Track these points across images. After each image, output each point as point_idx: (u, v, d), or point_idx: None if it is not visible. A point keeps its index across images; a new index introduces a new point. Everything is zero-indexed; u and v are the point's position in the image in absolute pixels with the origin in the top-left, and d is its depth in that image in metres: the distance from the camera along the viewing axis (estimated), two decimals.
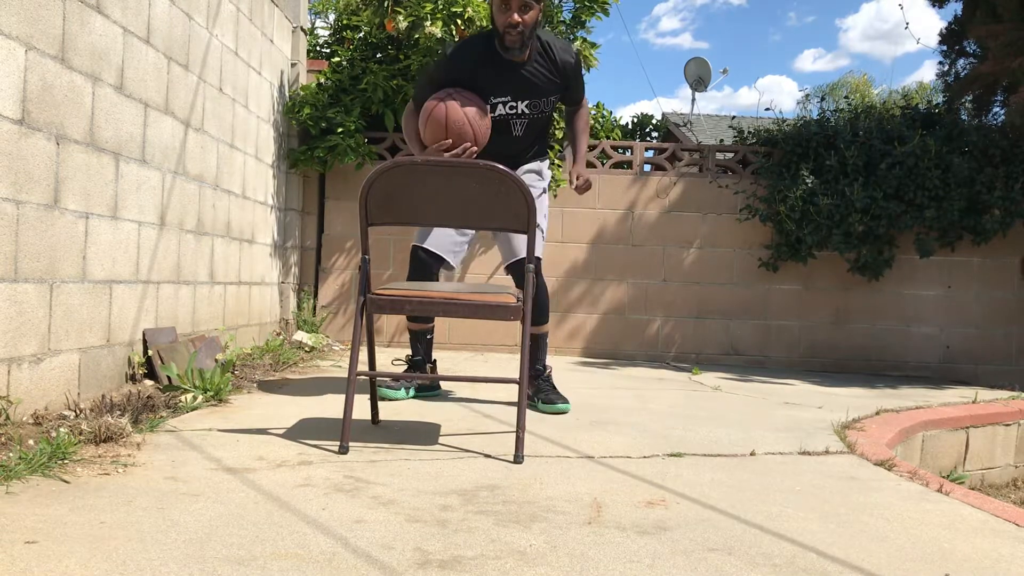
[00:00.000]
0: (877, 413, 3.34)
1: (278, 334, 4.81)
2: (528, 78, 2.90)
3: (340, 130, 4.86)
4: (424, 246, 3.01)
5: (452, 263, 3.09)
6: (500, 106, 2.93)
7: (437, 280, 3.09)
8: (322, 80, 5.13)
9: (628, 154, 5.50)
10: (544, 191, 3.12)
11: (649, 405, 3.29)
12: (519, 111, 2.95)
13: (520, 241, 2.96)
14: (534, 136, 3.07)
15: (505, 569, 1.38)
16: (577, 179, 2.99)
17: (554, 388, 3.05)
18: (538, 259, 2.98)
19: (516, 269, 2.99)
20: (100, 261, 2.79)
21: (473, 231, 3.08)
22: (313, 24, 5.86)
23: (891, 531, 1.71)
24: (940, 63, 6.03)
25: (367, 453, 2.17)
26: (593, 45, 5.14)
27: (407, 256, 3.07)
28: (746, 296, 5.34)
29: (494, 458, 2.19)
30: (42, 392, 2.47)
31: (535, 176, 3.10)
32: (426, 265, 3.01)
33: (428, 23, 4.75)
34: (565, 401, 2.99)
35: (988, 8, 5.23)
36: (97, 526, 1.50)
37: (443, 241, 3.02)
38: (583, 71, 3.06)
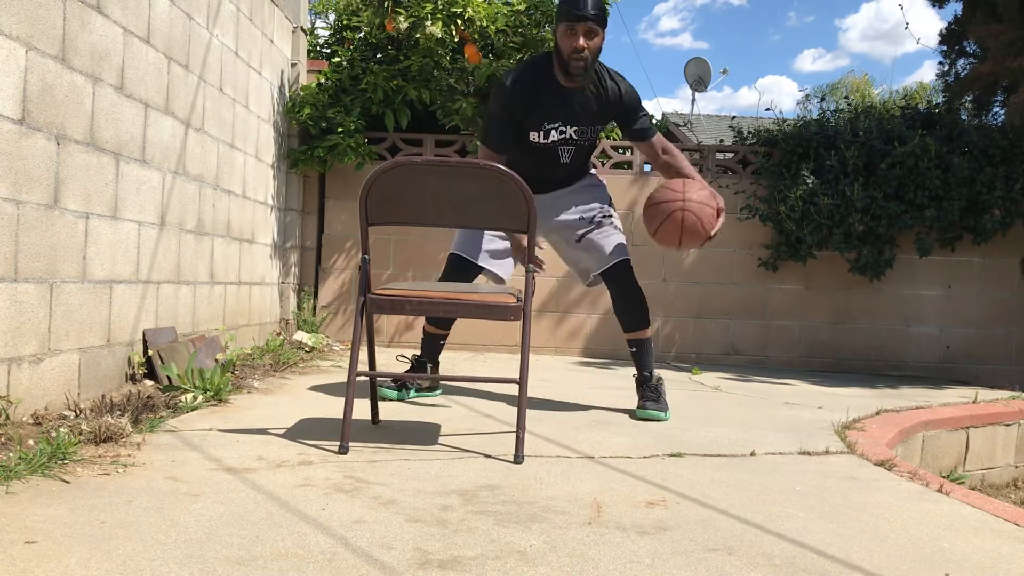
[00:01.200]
0: (877, 413, 3.34)
1: (278, 334, 4.81)
2: (583, 105, 2.87)
3: (340, 130, 4.86)
4: (456, 251, 3.01)
5: (493, 270, 3.03)
6: (552, 132, 2.89)
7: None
8: (322, 80, 5.13)
9: (628, 154, 5.50)
10: (610, 198, 3.12)
11: None
12: (568, 136, 2.91)
13: (607, 245, 2.95)
14: (580, 163, 3.05)
15: (505, 569, 1.38)
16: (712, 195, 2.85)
17: (657, 397, 2.93)
18: (629, 260, 2.98)
19: (610, 275, 2.96)
20: (100, 261, 2.79)
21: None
22: (313, 24, 5.86)
23: (891, 531, 1.71)
24: (940, 63, 6.03)
25: (367, 453, 2.17)
26: None
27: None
28: (746, 296, 5.34)
29: (494, 458, 2.19)
30: (42, 392, 2.47)
31: (595, 179, 3.13)
32: (457, 271, 2.99)
33: (428, 23, 4.75)
34: (662, 408, 2.90)
35: (988, 8, 5.23)
36: (97, 526, 1.50)
37: (473, 246, 3.00)
38: (644, 109, 2.98)
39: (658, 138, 3.02)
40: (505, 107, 2.84)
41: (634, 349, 3.01)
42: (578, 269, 3.10)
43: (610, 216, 3.06)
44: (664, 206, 2.84)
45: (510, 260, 3.07)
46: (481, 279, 3.05)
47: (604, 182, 3.19)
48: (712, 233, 2.82)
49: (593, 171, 3.18)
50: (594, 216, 3.03)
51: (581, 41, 2.73)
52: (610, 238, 3.00)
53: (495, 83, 3.07)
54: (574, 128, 2.91)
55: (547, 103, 2.84)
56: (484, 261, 3.02)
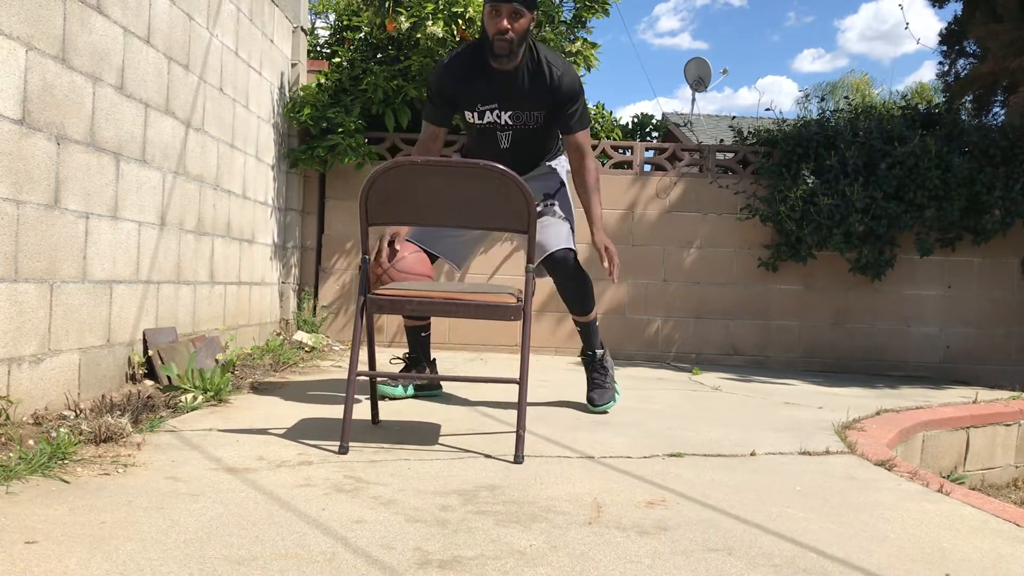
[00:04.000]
0: (877, 413, 3.34)
1: (278, 334, 4.81)
2: (515, 88, 2.85)
3: (340, 130, 4.86)
4: (410, 239, 2.97)
5: (446, 258, 3.04)
6: (487, 113, 2.91)
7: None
8: (322, 80, 5.13)
9: (628, 154, 5.50)
10: (562, 183, 3.09)
11: (649, 405, 3.29)
12: (503, 121, 2.91)
13: (546, 237, 2.91)
14: (530, 151, 3.02)
15: (505, 569, 1.38)
16: (604, 250, 2.86)
17: (604, 380, 3.03)
18: (572, 250, 2.96)
19: (549, 264, 2.94)
20: (100, 261, 2.79)
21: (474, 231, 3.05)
22: (313, 24, 5.86)
23: (891, 531, 1.71)
24: (940, 63, 6.05)
25: (367, 453, 2.17)
26: (594, 45, 5.14)
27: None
28: (746, 296, 5.34)
29: (494, 458, 2.19)
30: (42, 392, 2.47)
31: (546, 168, 3.09)
32: None
33: (430, 23, 4.75)
34: (606, 400, 3.01)
35: (988, 8, 5.23)
36: (97, 526, 1.50)
37: (431, 235, 3.00)
38: (581, 104, 2.91)
39: (577, 137, 2.92)
40: (438, 85, 2.90)
41: (579, 329, 3.11)
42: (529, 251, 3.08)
43: (552, 204, 3.00)
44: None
45: (469, 249, 3.12)
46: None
47: (559, 169, 3.10)
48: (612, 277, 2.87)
49: (556, 161, 3.12)
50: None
51: (504, 23, 2.71)
52: (550, 228, 2.94)
53: (434, 67, 3.09)
54: (508, 112, 2.89)
55: (479, 85, 2.85)
56: (440, 249, 3.02)
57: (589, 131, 3.00)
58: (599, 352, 3.09)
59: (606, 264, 2.86)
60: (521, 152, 2.98)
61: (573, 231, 3.04)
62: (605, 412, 2.99)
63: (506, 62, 2.79)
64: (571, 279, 2.98)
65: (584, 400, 3.10)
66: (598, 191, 2.98)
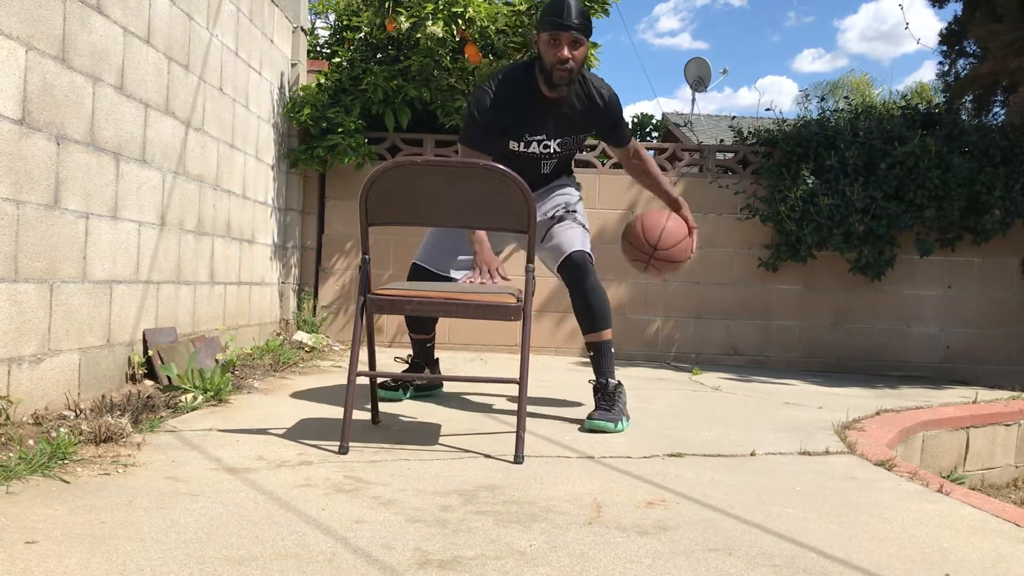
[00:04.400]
0: (877, 413, 3.34)
1: (278, 334, 4.81)
2: (566, 116, 2.80)
3: (340, 130, 4.86)
4: (418, 262, 2.94)
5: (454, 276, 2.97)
6: (534, 144, 2.83)
7: None
8: (322, 80, 5.13)
9: None
10: (580, 197, 3.07)
11: (649, 405, 3.29)
12: (552, 150, 2.86)
13: (563, 240, 2.84)
14: (559, 171, 3.02)
15: (505, 569, 1.38)
16: (692, 226, 2.99)
17: (611, 406, 2.69)
18: (590, 255, 2.83)
19: (567, 267, 2.81)
20: (100, 261, 2.79)
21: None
22: (313, 24, 5.85)
23: (891, 531, 1.71)
24: (940, 63, 6.04)
25: (367, 453, 2.17)
26: (594, 45, 5.13)
27: (407, 256, 3.07)
28: (746, 296, 5.34)
29: (494, 458, 2.19)
30: (42, 392, 2.47)
31: (564, 181, 3.06)
32: (422, 280, 2.91)
33: (430, 23, 4.75)
34: (613, 419, 2.64)
35: (988, 8, 5.23)
36: (97, 526, 1.50)
37: (439, 258, 2.92)
38: (623, 114, 2.94)
39: (633, 143, 3.01)
40: (485, 115, 2.73)
41: (592, 353, 2.81)
42: (549, 269, 2.96)
43: (573, 212, 2.96)
44: (636, 264, 3.00)
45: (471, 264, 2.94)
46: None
47: (577, 180, 3.11)
48: (690, 256, 2.99)
49: (572, 176, 3.11)
50: (556, 212, 2.94)
51: (566, 51, 2.64)
52: (568, 231, 2.87)
53: (477, 88, 3.00)
54: (558, 140, 2.84)
55: (530, 114, 2.77)
56: (445, 267, 2.93)
57: None
58: (612, 383, 2.74)
59: (694, 237, 2.99)
60: (555, 171, 2.99)
61: (588, 235, 3.00)
62: (603, 432, 2.61)
63: (565, 91, 2.72)
64: (587, 284, 2.76)
65: (578, 400, 3.10)
66: (663, 177, 3.08)
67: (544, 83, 2.72)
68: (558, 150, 2.88)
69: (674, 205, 3.03)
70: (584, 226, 2.95)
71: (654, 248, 2.91)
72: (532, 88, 2.75)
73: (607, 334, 2.80)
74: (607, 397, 2.73)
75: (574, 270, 2.78)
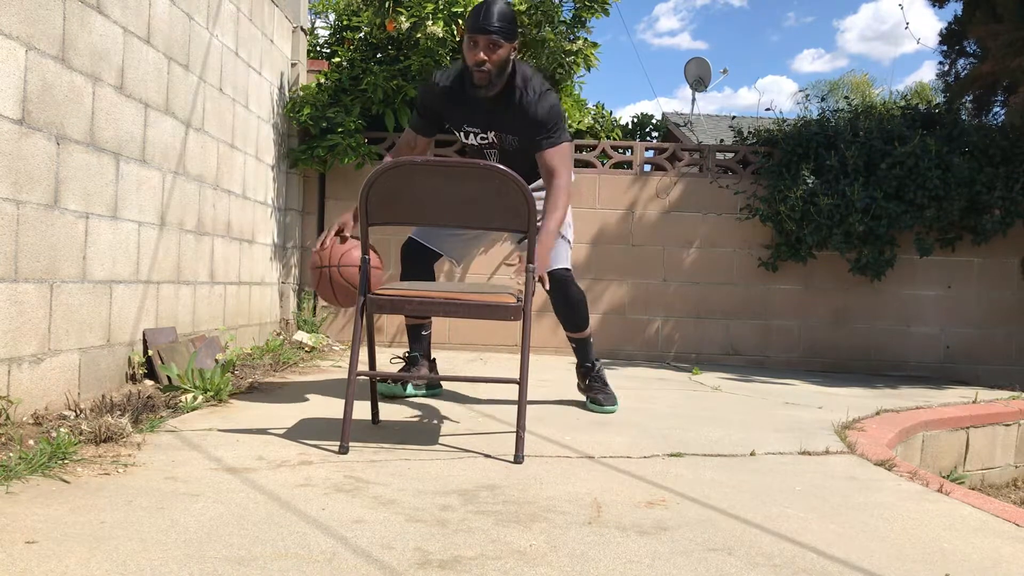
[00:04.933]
0: (877, 413, 3.34)
1: (278, 334, 4.81)
2: (499, 113, 2.87)
3: (340, 130, 4.86)
4: (413, 236, 3.07)
5: (448, 255, 3.08)
6: (472, 135, 2.96)
7: (432, 272, 3.11)
8: (322, 80, 5.13)
9: (628, 154, 5.50)
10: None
11: (649, 405, 3.29)
12: (490, 140, 2.95)
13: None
14: (521, 169, 2.81)
15: (505, 569, 1.38)
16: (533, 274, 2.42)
17: (605, 386, 3.10)
18: (568, 270, 3.00)
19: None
20: (100, 261, 2.79)
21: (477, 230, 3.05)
22: (313, 24, 5.86)
23: (891, 531, 1.71)
24: (940, 63, 6.04)
25: (367, 453, 2.17)
26: (594, 45, 5.14)
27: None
28: (746, 296, 5.34)
29: (494, 458, 2.19)
30: (42, 392, 2.47)
31: (543, 185, 2.99)
32: (413, 253, 3.04)
33: (430, 23, 4.75)
34: (613, 403, 3.05)
35: (988, 8, 5.23)
36: (97, 526, 1.50)
37: (432, 232, 3.05)
38: (554, 127, 2.81)
39: (546, 158, 2.80)
40: (424, 102, 2.96)
41: (573, 345, 3.17)
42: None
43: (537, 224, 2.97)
44: (314, 271, 2.77)
45: (470, 246, 3.18)
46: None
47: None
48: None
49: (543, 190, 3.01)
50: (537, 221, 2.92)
51: (482, 54, 2.70)
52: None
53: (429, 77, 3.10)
54: (493, 133, 2.92)
55: (465, 108, 2.89)
56: (442, 247, 3.06)
57: (564, 149, 2.83)
58: (596, 364, 3.15)
59: (521, 281, 2.47)
60: (514, 167, 2.91)
61: (570, 249, 3.06)
62: (611, 412, 3.02)
63: (484, 92, 2.79)
64: (566, 297, 3.00)
65: (578, 399, 3.12)
66: (558, 211, 2.73)
67: (468, 83, 2.81)
68: (495, 142, 2.94)
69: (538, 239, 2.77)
70: (562, 235, 2.93)
71: (335, 265, 2.73)
72: (463, 87, 2.86)
73: (587, 332, 3.14)
74: (595, 377, 3.11)
75: (554, 285, 2.92)
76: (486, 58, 2.71)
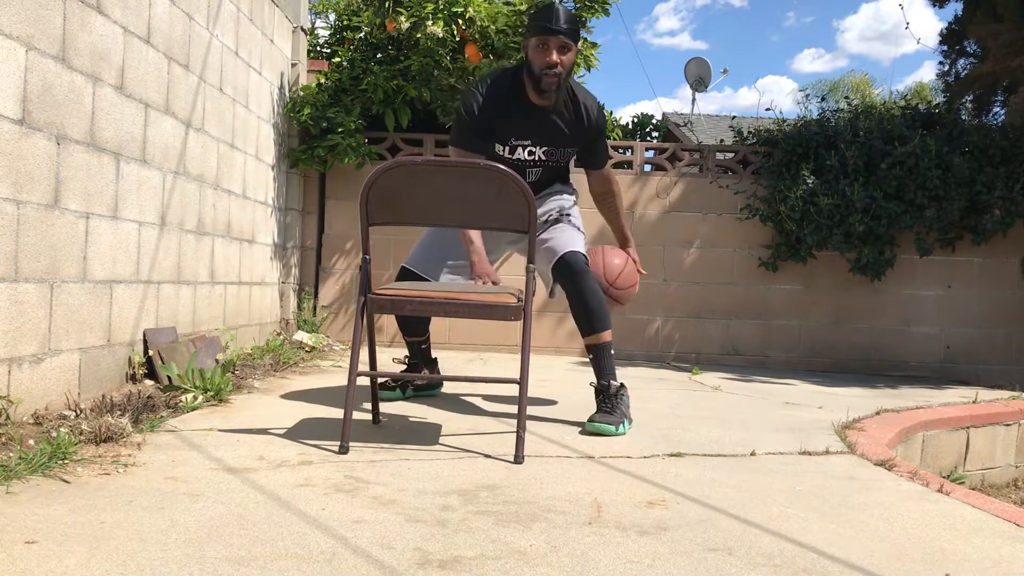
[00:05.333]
0: (877, 413, 3.34)
1: (278, 334, 4.81)
2: (554, 124, 2.78)
3: (340, 130, 4.86)
4: (407, 265, 2.92)
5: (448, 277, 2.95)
6: (519, 149, 2.81)
7: None
8: (322, 80, 5.14)
9: (628, 154, 5.50)
10: (576, 202, 3.04)
11: (649, 405, 3.29)
12: (537, 157, 2.84)
13: (558, 241, 2.81)
14: (550, 181, 2.97)
15: (505, 569, 1.38)
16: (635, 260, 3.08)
17: (612, 409, 2.64)
18: (584, 256, 2.79)
19: (561, 268, 2.76)
20: (100, 261, 2.79)
21: (478, 254, 2.79)
22: (313, 24, 5.86)
23: (891, 531, 1.71)
24: (940, 63, 6.03)
25: (367, 453, 2.17)
26: (594, 45, 5.14)
27: (407, 256, 3.05)
28: (746, 296, 5.34)
29: (494, 458, 2.19)
30: (42, 392, 2.47)
31: (559, 187, 3.01)
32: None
33: (430, 23, 4.75)
34: (614, 423, 2.58)
35: (988, 8, 5.23)
36: (97, 526, 1.50)
37: (430, 262, 2.91)
38: (605, 124, 2.91)
39: (607, 168, 2.98)
40: (474, 118, 2.74)
41: (591, 356, 2.77)
42: (541, 275, 2.88)
43: (568, 215, 2.93)
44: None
45: (465, 273, 2.88)
46: None
47: (574, 191, 3.06)
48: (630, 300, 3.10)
49: (568, 183, 3.06)
50: (549, 216, 2.90)
51: (554, 56, 2.63)
52: (562, 233, 2.84)
53: (466, 90, 2.93)
54: (544, 148, 2.82)
55: (517, 119, 2.76)
56: (442, 277, 2.90)
57: None
58: (614, 384, 2.70)
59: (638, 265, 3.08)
60: (543, 182, 2.94)
61: (585, 240, 2.98)
62: (604, 435, 2.56)
63: (552, 97, 2.69)
64: (581, 284, 2.71)
65: (578, 400, 3.10)
66: (625, 216, 3.13)
67: (533, 88, 2.70)
68: (543, 158, 2.85)
69: (624, 243, 3.10)
70: (578, 228, 2.93)
71: (610, 285, 2.97)
72: (520, 93, 2.74)
73: (606, 335, 2.74)
74: (608, 399, 2.68)
75: (570, 272, 2.73)
76: (558, 61, 2.64)
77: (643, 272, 3.12)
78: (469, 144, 2.77)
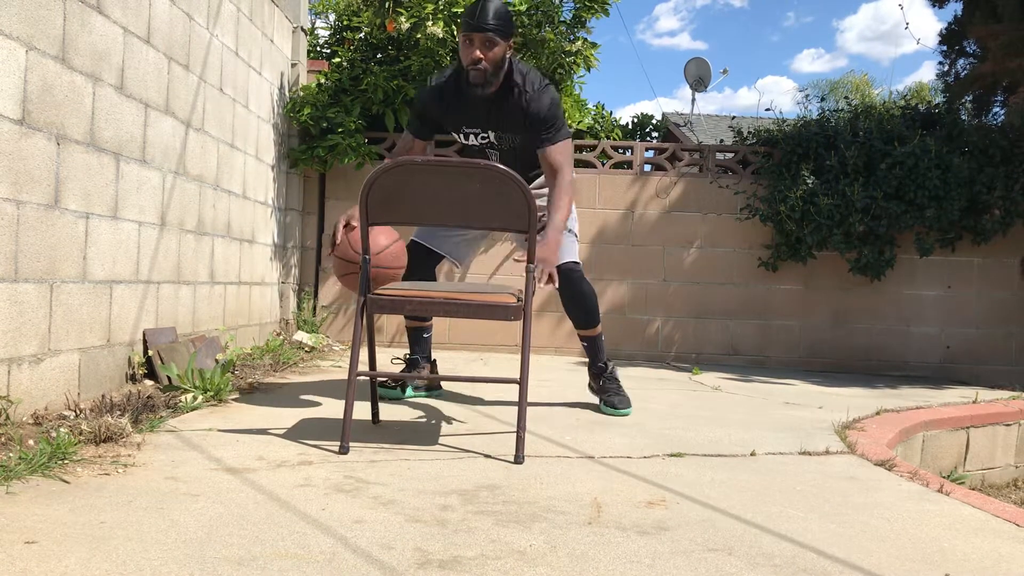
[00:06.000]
0: (877, 413, 3.34)
1: (278, 334, 4.81)
2: (497, 111, 2.84)
3: (340, 130, 4.86)
4: (414, 238, 3.05)
5: (449, 256, 3.07)
6: (472, 136, 2.93)
7: (434, 274, 3.10)
8: (322, 80, 5.14)
9: (628, 154, 5.50)
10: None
11: (649, 405, 3.29)
12: (490, 141, 2.93)
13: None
14: (523, 167, 2.90)
15: (505, 569, 1.38)
16: (542, 265, 2.55)
17: (619, 389, 3.07)
18: (577, 263, 2.97)
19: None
20: (100, 261, 2.79)
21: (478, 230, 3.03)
22: (313, 24, 5.86)
23: (891, 531, 1.71)
24: (940, 63, 6.04)
25: (367, 453, 2.17)
26: (594, 45, 5.14)
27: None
28: (746, 296, 5.34)
29: (494, 458, 2.19)
30: (42, 392, 2.47)
31: (545, 183, 2.99)
32: (416, 255, 2.99)
33: (430, 23, 4.75)
34: (627, 405, 3.02)
35: (988, 8, 5.23)
36: (97, 526, 1.50)
37: (432, 233, 3.04)
38: (554, 124, 2.81)
39: (547, 155, 2.81)
40: (421, 107, 2.93)
41: (585, 343, 3.14)
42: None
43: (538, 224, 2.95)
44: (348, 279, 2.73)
45: (471, 247, 3.16)
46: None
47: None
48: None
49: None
50: (542, 218, 2.84)
51: (477, 52, 2.69)
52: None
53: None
54: (493, 134, 2.90)
55: (462, 110, 2.87)
56: (443, 247, 3.05)
57: (566, 146, 2.84)
58: (609, 364, 3.12)
59: (537, 276, 2.53)
60: (514, 166, 2.91)
61: (577, 242, 3.03)
62: (626, 415, 2.98)
63: (481, 91, 2.77)
64: (575, 293, 2.95)
65: (578, 400, 3.11)
66: (563, 208, 2.75)
67: (464, 83, 2.80)
68: (495, 142, 2.93)
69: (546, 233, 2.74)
70: (571, 230, 2.97)
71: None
72: (460, 88, 2.84)
73: (598, 328, 3.10)
74: (609, 379, 3.08)
75: (564, 281, 2.87)
76: (481, 56, 2.70)
77: (541, 280, 2.57)
78: (416, 130, 2.97)
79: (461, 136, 2.96)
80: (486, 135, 2.93)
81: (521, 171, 2.93)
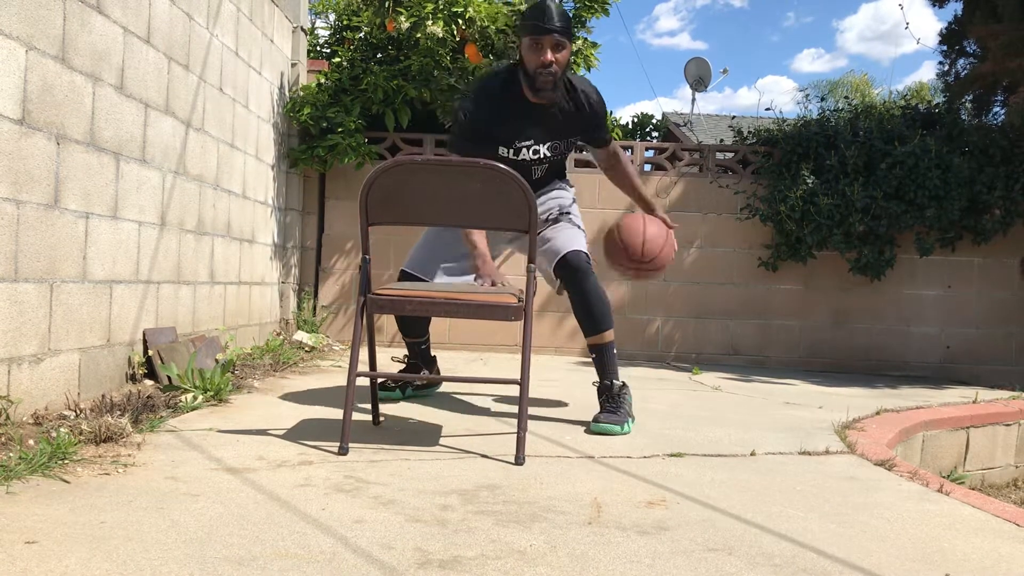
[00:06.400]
0: (877, 413, 3.34)
1: (278, 334, 4.81)
2: (555, 120, 2.75)
3: (340, 130, 4.86)
4: (406, 268, 2.90)
5: (445, 278, 2.93)
6: (524, 150, 2.78)
7: None
8: (322, 80, 5.14)
9: (628, 154, 5.49)
10: (575, 200, 3.03)
11: (649, 405, 3.29)
12: (542, 155, 2.81)
13: (559, 241, 2.80)
14: (552, 176, 2.97)
15: (505, 569, 1.38)
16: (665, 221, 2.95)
17: (616, 408, 2.66)
18: (586, 254, 2.78)
19: (562, 269, 2.75)
20: (100, 261, 2.79)
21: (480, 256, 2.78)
22: (313, 24, 5.86)
23: (891, 531, 1.71)
24: (940, 63, 6.03)
25: (367, 453, 2.17)
26: (594, 45, 5.14)
27: (406, 257, 3.04)
28: (746, 296, 5.34)
29: (494, 458, 2.19)
30: (42, 392, 2.47)
31: (558, 185, 3.01)
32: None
33: (430, 23, 4.75)
34: (618, 422, 2.60)
35: (988, 8, 5.23)
36: (97, 526, 1.50)
37: (428, 262, 2.89)
38: (607, 115, 2.90)
39: (613, 144, 2.99)
40: (467, 128, 2.71)
41: (593, 355, 2.79)
42: (544, 274, 2.86)
43: (568, 213, 2.93)
44: (623, 274, 2.98)
45: (467, 276, 2.82)
46: None
47: (572, 187, 3.06)
48: (673, 256, 2.96)
49: (565, 180, 3.05)
50: (549, 215, 2.90)
51: (548, 55, 2.59)
52: (563, 232, 2.84)
53: (461, 97, 2.94)
54: (547, 145, 2.80)
55: (517, 121, 2.73)
56: (439, 278, 2.86)
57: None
58: (616, 384, 2.73)
59: (672, 237, 2.92)
60: (548, 176, 2.94)
61: (584, 237, 2.96)
62: (610, 435, 2.57)
63: (549, 96, 2.67)
64: (586, 285, 2.71)
65: (578, 400, 3.10)
66: (639, 179, 3.08)
67: (528, 88, 2.67)
68: (548, 155, 2.83)
69: (649, 209, 3.01)
70: (579, 226, 2.93)
71: (639, 263, 2.86)
72: (516, 94, 2.71)
73: (609, 335, 2.75)
74: (612, 399, 2.69)
75: (572, 271, 2.73)
76: (553, 59, 2.61)
77: (673, 226, 2.97)
78: (468, 152, 2.66)
79: (511, 151, 2.77)
80: (539, 148, 2.80)
81: (548, 180, 2.97)
